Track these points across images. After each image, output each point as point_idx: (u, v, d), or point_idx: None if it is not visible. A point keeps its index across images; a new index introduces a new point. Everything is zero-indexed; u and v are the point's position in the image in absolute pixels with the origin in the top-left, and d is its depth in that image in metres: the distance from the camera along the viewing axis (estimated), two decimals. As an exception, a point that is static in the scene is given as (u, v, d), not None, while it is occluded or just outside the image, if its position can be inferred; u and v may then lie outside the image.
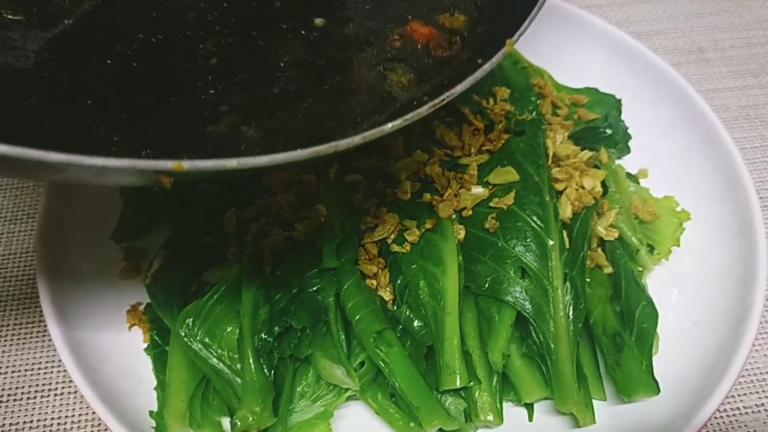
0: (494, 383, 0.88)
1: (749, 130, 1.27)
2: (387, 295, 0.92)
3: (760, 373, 0.97)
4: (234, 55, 0.78)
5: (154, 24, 0.78)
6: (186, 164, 0.54)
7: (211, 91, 0.72)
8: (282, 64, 0.78)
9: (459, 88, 0.73)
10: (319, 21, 0.85)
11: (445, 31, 0.85)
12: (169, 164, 0.54)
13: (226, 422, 0.88)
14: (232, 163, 0.57)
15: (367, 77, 0.79)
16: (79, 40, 0.75)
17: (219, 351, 0.85)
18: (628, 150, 1.16)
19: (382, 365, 0.85)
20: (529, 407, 0.91)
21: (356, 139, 0.65)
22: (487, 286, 0.91)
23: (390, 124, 0.67)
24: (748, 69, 1.37)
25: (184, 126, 0.68)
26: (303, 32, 0.83)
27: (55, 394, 0.96)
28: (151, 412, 0.86)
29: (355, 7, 0.88)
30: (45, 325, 0.98)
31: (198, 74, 0.74)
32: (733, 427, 0.93)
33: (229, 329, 0.86)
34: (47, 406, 0.95)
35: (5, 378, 0.97)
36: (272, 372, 0.84)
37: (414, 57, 0.82)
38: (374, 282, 0.92)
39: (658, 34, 1.44)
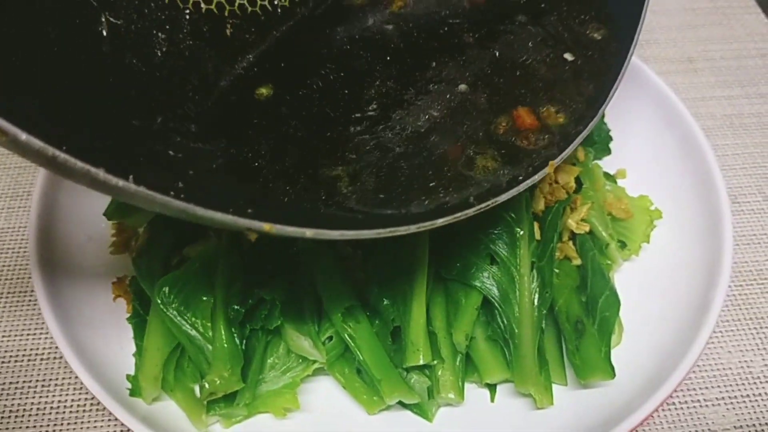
0: (457, 363, 0.91)
1: (732, 138, 1.29)
2: (359, 275, 0.95)
3: (722, 368, 0.99)
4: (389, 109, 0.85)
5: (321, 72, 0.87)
6: (275, 228, 0.61)
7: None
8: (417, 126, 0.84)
9: (503, 197, 0.76)
10: (462, 87, 0.89)
11: (544, 124, 0.86)
12: (264, 226, 0.60)
13: (197, 390, 0.91)
14: (308, 233, 0.63)
15: (458, 155, 0.81)
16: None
17: (193, 319, 0.89)
18: (608, 151, 1.19)
19: (349, 339, 0.89)
20: (492, 389, 0.94)
21: (411, 228, 0.70)
22: (456, 271, 0.94)
23: (441, 220, 0.72)
24: (736, 80, 1.40)
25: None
26: (447, 96, 0.87)
27: (41, 359, 1.01)
28: (127, 376, 0.91)
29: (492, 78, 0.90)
30: (36, 295, 1.03)
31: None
32: (692, 418, 0.95)
33: (204, 299, 0.90)
34: (33, 369, 0.99)
35: (-5, 342, 1.02)
36: (243, 342, 0.88)
37: (505, 144, 0.83)
38: (348, 263, 0.96)
39: (650, 43, 1.47)
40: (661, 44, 1.47)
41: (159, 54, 0.78)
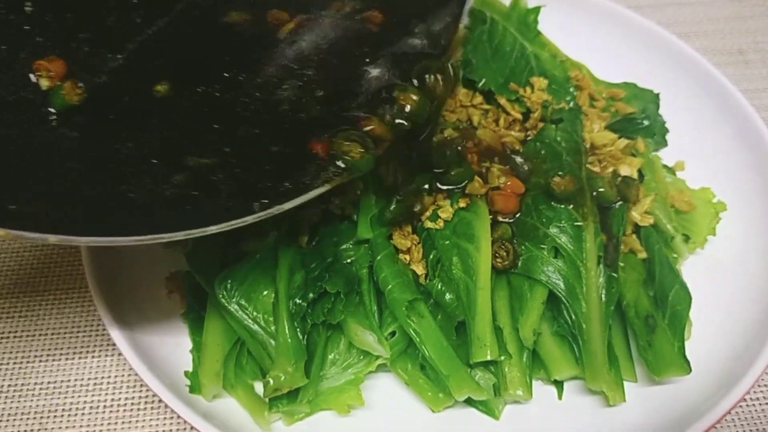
0: (524, 359, 0.88)
1: (789, 130, 1.25)
2: (419, 269, 0.93)
3: (796, 365, 0.96)
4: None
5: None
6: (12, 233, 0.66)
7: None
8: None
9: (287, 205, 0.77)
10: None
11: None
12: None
13: (258, 386, 0.89)
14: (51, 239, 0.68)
15: None
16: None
17: (254, 313, 0.87)
18: (665, 143, 1.16)
19: (413, 334, 0.86)
20: (559, 386, 0.91)
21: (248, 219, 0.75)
22: (520, 264, 0.91)
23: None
24: (789, 71, 1.37)
25: None
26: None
27: (93, 357, 0.99)
28: (186, 372, 0.88)
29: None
30: (85, 292, 1.02)
31: None
32: (765, 415, 0.91)
33: (265, 293, 0.88)
34: (84, 366, 0.98)
35: (46, 339, 1.00)
36: (305, 337, 0.86)
37: None
38: (407, 257, 0.94)
39: (698, 35, 1.44)
40: (709, 36, 1.44)
41: None
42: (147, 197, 0.75)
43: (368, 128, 0.82)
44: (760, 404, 0.93)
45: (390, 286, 0.88)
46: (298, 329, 0.85)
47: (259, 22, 0.95)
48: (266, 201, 0.76)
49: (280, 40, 0.93)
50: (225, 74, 0.89)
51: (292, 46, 0.92)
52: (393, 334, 0.89)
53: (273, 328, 0.86)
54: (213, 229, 0.74)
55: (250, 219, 0.75)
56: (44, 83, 0.82)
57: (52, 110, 0.80)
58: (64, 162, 0.77)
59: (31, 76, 0.82)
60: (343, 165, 0.79)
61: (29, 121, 0.80)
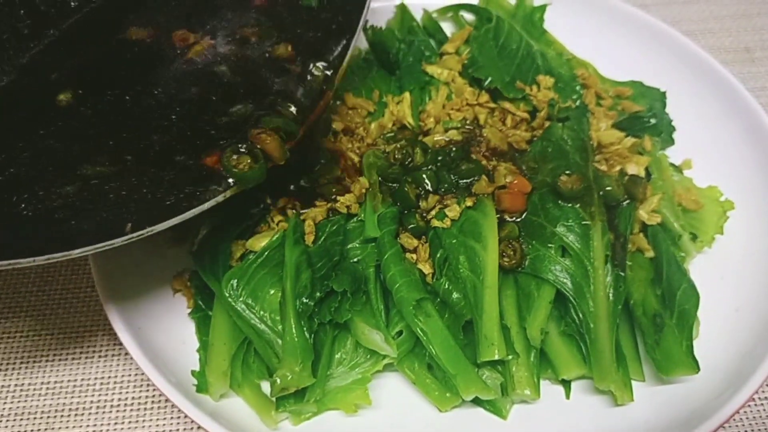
0: (532, 358, 0.88)
1: (797, 128, 1.25)
2: (426, 268, 0.93)
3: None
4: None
5: None
6: None
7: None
8: None
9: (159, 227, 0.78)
10: None
11: None
12: None
13: (265, 386, 0.89)
14: None
15: None
16: None
17: (261, 312, 0.86)
18: (672, 141, 1.15)
19: (421, 333, 0.86)
20: (566, 385, 0.91)
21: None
22: (527, 263, 0.91)
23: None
24: (797, 69, 1.36)
25: None
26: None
27: (99, 356, 0.99)
28: (193, 371, 0.88)
29: None
30: (91, 292, 1.02)
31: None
32: (774, 416, 0.91)
33: (271, 292, 0.88)
34: (91, 366, 0.98)
35: (52, 338, 1.00)
36: (312, 336, 0.86)
37: None
38: (414, 256, 0.93)
39: (704, 33, 1.44)
40: (716, 34, 1.44)
41: None
42: (33, 210, 0.76)
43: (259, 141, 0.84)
44: (769, 403, 0.92)
45: (397, 285, 0.88)
46: (304, 328, 0.85)
47: (160, 39, 0.96)
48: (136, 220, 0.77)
49: (180, 56, 0.95)
50: (128, 86, 0.90)
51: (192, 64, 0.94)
52: (400, 333, 0.89)
53: (280, 327, 0.85)
54: (75, 253, 0.73)
55: (118, 242, 0.75)
56: None
57: None
58: None
59: None
60: (231, 180, 0.81)
61: None
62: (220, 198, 0.80)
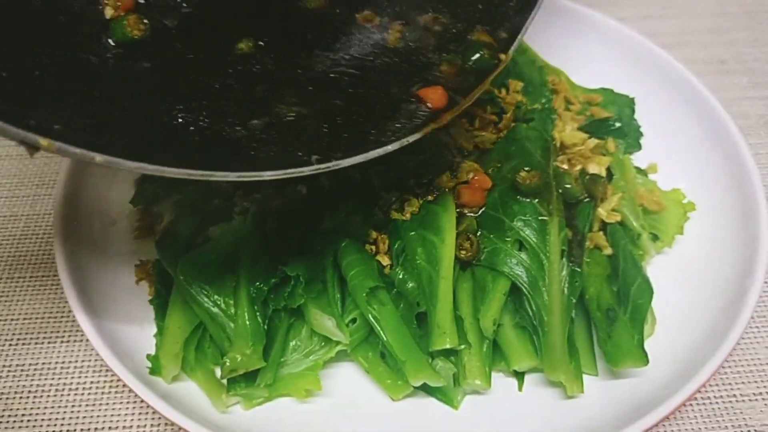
0: (484, 349, 0.89)
1: (765, 137, 1.26)
2: (385, 260, 0.93)
3: (761, 364, 0.96)
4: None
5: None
6: (55, 144, 0.60)
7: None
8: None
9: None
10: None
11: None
12: (41, 141, 0.60)
13: (218, 371, 0.90)
14: (98, 158, 0.63)
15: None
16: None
17: (215, 297, 0.87)
18: (639, 146, 1.17)
19: (373, 321, 0.87)
20: (519, 377, 0.91)
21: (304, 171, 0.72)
22: (484, 257, 0.92)
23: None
24: (769, 81, 1.37)
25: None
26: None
27: (62, 341, 1.00)
28: (148, 355, 0.89)
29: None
30: (57, 279, 1.02)
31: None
32: (727, 413, 0.91)
33: (227, 278, 0.88)
34: (52, 351, 0.98)
35: (17, 323, 1.01)
36: (266, 322, 0.87)
37: None
38: (373, 248, 0.94)
39: (681, 46, 1.45)
40: (692, 46, 1.46)
41: None
42: (209, 134, 0.73)
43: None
44: (723, 402, 0.92)
45: (353, 272, 0.89)
46: (258, 313, 0.86)
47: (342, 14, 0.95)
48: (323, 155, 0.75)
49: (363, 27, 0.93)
50: (310, 45, 0.88)
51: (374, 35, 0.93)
52: (354, 321, 0.90)
53: (233, 311, 0.86)
54: (268, 175, 0.70)
55: (306, 170, 0.73)
56: (109, 12, 0.80)
57: (111, 41, 0.79)
58: (124, 88, 0.75)
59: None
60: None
61: (84, 45, 0.78)
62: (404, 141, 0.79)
